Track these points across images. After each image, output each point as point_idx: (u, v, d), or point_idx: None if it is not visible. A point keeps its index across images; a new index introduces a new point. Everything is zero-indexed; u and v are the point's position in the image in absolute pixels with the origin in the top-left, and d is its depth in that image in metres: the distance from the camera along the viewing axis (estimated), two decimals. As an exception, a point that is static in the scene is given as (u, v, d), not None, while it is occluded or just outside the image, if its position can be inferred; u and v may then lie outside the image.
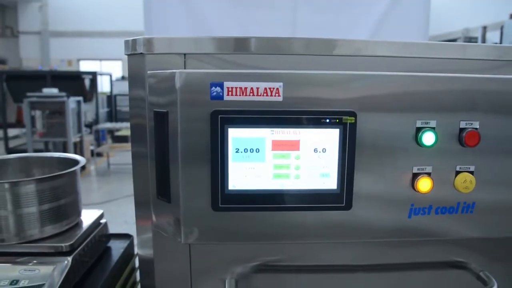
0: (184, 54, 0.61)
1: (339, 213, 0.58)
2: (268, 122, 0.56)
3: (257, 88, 0.55)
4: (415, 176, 0.59)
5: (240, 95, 0.55)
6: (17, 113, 8.83)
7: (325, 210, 0.58)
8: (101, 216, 1.03)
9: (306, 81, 0.56)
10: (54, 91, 5.64)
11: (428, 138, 0.57)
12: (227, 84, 0.55)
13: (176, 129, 0.56)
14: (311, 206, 0.58)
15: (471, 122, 0.59)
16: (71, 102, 5.58)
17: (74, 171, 0.93)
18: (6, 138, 6.58)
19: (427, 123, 0.58)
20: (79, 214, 0.96)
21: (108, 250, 1.05)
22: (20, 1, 12.63)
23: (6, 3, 12.78)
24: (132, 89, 0.64)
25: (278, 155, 0.56)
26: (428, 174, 0.59)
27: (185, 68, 0.61)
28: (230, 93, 0.55)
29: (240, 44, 0.60)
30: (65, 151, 5.46)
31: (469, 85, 0.59)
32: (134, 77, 0.64)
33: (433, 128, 0.58)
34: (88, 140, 6.64)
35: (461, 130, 0.58)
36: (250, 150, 0.56)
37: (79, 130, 6.00)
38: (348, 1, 2.08)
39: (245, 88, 0.55)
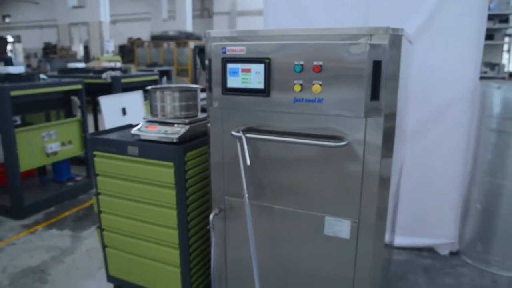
0: (220, 38, 1.69)
1: (264, 98, 1.58)
2: (239, 61, 1.60)
3: (236, 49, 1.59)
4: (294, 84, 1.52)
5: (231, 51, 1.60)
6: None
7: (259, 96, 1.59)
8: (208, 116, 2.23)
9: (252, 46, 1.57)
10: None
11: (297, 68, 1.50)
12: (228, 48, 1.61)
13: (213, 66, 1.66)
14: (255, 94, 1.59)
15: (318, 61, 1.48)
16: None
17: (196, 89, 2.14)
18: (207, 99, 8.91)
19: (299, 62, 1.50)
20: (197, 111, 2.18)
21: (210, 133, 2.24)
22: (215, -13, 15.49)
23: (205, -11, 15.92)
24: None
25: (244, 74, 1.60)
26: (301, 84, 1.51)
27: (221, 43, 1.68)
28: (228, 51, 1.61)
29: (235, 34, 1.64)
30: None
31: (319, 47, 1.48)
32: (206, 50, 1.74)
33: (301, 64, 1.50)
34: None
35: (314, 65, 1.48)
36: (234, 72, 1.61)
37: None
38: None
39: (232, 49, 1.60)
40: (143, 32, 16.78)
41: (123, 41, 16.61)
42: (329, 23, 2.79)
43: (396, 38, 1.46)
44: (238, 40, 1.65)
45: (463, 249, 2.98)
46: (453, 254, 3.01)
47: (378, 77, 1.46)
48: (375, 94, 1.47)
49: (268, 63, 1.55)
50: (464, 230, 2.98)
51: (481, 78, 2.85)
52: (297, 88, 1.53)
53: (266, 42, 1.56)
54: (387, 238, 2.10)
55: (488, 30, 7.59)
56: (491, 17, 7.54)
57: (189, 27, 14.94)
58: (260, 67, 1.57)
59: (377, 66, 1.45)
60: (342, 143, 1.55)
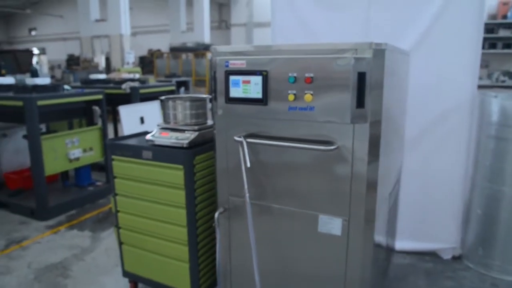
0: (224, 52, 1.90)
1: (263, 106, 1.78)
2: (240, 73, 1.80)
3: (237, 62, 1.79)
4: (288, 94, 1.71)
5: (233, 65, 1.81)
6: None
7: (258, 105, 1.78)
8: (216, 123, 2.44)
9: (251, 59, 1.77)
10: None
11: (291, 79, 1.69)
12: (230, 62, 1.82)
13: (217, 78, 1.87)
14: (254, 103, 1.79)
15: (310, 73, 1.67)
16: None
17: (205, 99, 2.36)
18: (212, 107, 9.17)
19: (293, 74, 1.69)
20: (206, 118, 2.39)
21: (218, 139, 2.45)
22: (233, -1, 15.94)
23: (223, 2, 16.37)
24: (211, 71, 1.97)
25: (244, 85, 1.80)
26: (294, 94, 1.70)
27: (225, 57, 1.89)
28: (231, 64, 1.82)
29: (238, 49, 1.85)
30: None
31: (310, 60, 1.67)
32: (212, 64, 1.96)
33: (295, 76, 1.69)
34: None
35: (305, 76, 1.67)
36: (235, 83, 1.82)
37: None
38: None
39: (234, 63, 1.80)
40: (162, 43, 17.30)
41: (143, 52, 17.16)
42: (332, 36, 2.98)
43: (379, 52, 1.64)
44: (240, 55, 1.85)
45: (465, 254, 3.08)
46: (456, 258, 3.11)
47: (363, 87, 1.64)
48: (360, 102, 1.65)
49: (266, 75, 1.75)
50: (466, 235, 3.08)
51: (499, 87, 2.97)
52: (291, 97, 1.72)
53: (264, 57, 1.76)
54: (384, 240, 2.25)
55: (505, 39, 7.65)
56: (508, 26, 7.57)
57: (207, 38, 15.36)
58: (258, 79, 1.77)
59: (361, 77, 1.62)
60: (332, 147, 1.72)
